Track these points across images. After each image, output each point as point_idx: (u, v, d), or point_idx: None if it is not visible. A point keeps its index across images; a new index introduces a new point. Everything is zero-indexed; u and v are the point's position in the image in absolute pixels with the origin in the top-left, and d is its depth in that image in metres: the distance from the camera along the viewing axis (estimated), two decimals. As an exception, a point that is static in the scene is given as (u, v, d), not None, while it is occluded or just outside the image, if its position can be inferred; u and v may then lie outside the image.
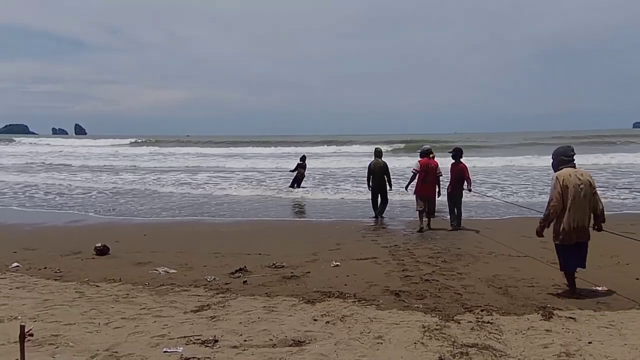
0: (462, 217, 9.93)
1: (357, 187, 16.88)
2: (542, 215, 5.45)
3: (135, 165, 29.18)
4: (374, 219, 11.11)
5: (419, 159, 10.12)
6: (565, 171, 5.29)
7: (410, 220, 10.71)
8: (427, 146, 10.46)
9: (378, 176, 11.37)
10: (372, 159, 11.77)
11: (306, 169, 17.20)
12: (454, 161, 9.92)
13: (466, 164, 9.96)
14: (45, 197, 15.44)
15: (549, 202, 5.32)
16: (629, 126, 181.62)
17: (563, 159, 5.38)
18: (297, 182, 16.76)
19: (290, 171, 17.41)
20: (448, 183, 9.98)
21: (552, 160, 5.53)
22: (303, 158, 17.22)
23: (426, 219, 9.78)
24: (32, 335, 3.17)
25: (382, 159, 11.64)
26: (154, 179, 20.99)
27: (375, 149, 12.14)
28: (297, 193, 15.87)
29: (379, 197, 11.40)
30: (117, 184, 18.94)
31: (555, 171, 5.40)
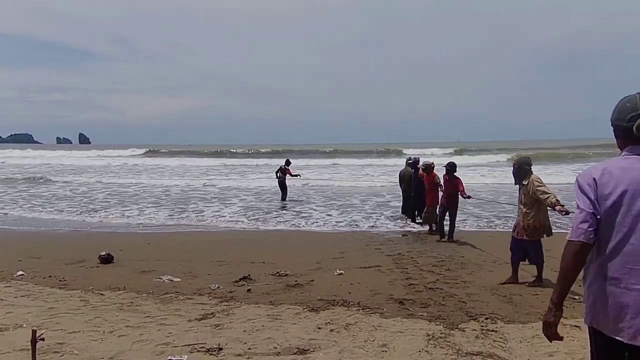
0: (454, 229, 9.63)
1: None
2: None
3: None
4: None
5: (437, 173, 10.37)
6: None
7: (414, 231, 10.76)
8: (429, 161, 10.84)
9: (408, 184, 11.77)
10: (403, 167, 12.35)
11: (287, 174, 16.06)
12: (447, 176, 9.42)
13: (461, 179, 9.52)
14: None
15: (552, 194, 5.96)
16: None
17: (527, 168, 6.25)
18: (282, 190, 16.00)
19: (277, 178, 16.28)
20: (443, 196, 9.63)
21: (515, 168, 6.41)
22: (287, 162, 16.37)
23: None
24: (43, 339, 3.18)
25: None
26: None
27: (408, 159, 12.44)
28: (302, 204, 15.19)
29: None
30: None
31: (521, 177, 6.23)
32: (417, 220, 11.45)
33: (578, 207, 2.03)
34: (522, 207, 6.16)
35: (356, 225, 11.52)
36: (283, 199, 15.87)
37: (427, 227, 10.62)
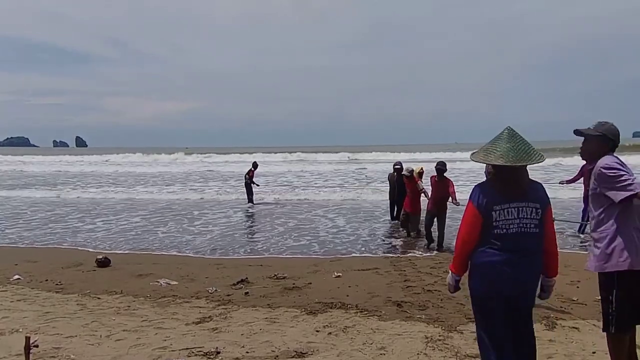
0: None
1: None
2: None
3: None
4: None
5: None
6: None
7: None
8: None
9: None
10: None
11: (252, 177, 15.84)
12: (437, 177, 8.81)
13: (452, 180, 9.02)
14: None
15: None
16: (628, 135, 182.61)
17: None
18: (247, 192, 15.82)
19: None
20: (430, 200, 9.02)
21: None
22: (254, 165, 16.19)
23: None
24: (37, 346, 3.16)
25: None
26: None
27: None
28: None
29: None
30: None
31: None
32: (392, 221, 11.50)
33: (622, 177, 2.95)
34: None
35: (354, 226, 11.51)
36: (250, 200, 15.83)
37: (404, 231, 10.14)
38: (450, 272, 3.18)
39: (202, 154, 49.39)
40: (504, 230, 2.83)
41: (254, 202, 15.79)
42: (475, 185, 3.00)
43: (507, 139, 2.88)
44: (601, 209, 3.09)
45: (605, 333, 3.13)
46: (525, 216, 2.84)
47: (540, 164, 2.89)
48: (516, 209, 2.83)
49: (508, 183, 2.86)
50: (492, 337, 2.96)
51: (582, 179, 9.97)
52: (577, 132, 3.29)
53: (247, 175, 15.99)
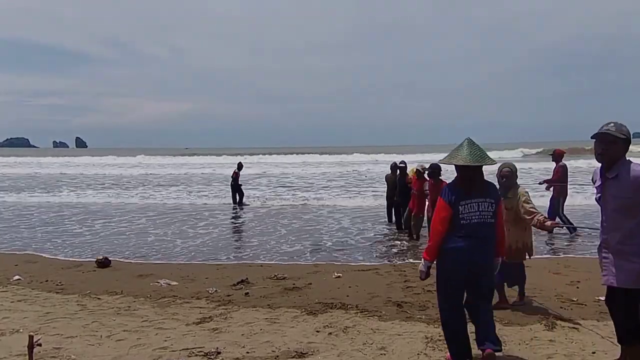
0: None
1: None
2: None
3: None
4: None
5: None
6: None
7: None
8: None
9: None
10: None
11: (237, 178, 15.90)
12: (432, 180, 8.72)
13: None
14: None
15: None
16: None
17: (516, 177, 5.19)
18: (236, 192, 15.81)
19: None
20: (430, 203, 8.93)
21: (505, 177, 5.10)
22: (239, 166, 16.14)
23: None
24: (40, 345, 3.17)
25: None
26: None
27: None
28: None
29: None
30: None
31: (509, 188, 5.06)
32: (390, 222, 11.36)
33: None
34: (503, 224, 4.91)
35: (353, 227, 11.52)
36: (234, 201, 15.75)
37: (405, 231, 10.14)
38: (423, 260, 3.72)
39: (205, 155, 49.53)
40: (468, 221, 3.52)
41: (243, 204, 15.56)
42: (445, 186, 3.82)
43: (467, 146, 3.59)
44: (636, 220, 2.93)
45: (620, 345, 3.04)
46: (484, 209, 3.55)
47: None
48: (477, 203, 3.54)
49: (469, 181, 3.56)
50: (455, 301, 3.70)
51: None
52: (603, 135, 3.04)
53: (232, 177, 16.03)
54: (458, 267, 3.56)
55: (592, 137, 3.10)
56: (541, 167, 25.71)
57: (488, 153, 3.63)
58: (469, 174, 3.56)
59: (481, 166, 3.57)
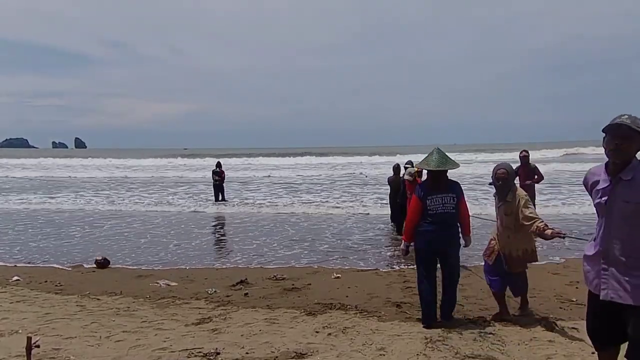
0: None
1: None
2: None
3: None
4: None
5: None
6: None
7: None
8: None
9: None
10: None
11: (223, 176, 16.61)
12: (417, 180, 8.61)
13: None
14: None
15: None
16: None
17: (514, 178, 4.87)
18: (219, 191, 16.41)
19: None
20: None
21: (502, 179, 4.71)
22: (218, 165, 16.80)
23: None
24: (38, 346, 3.16)
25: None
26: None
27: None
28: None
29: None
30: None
31: (507, 191, 4.69)
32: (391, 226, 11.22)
33: None
34: (503, 230, 4.72)
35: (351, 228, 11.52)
36: (216, 199, 16.24)
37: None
38: (402, 241, 4.90)
39: (203, 157, 49.51)
40: (434, 211, 4.63)
41: (225, 200, 16.27)
42: (418, 184, 5.15)
43: (435, 154, 4.70)
44: None
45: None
46: (447, 202, 4.65)
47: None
48: (441, 197, 4.64)
49: (436, 180, 4.69)
50: (427, 273, 4.78)
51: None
52: (616, 127, 2.61)
53: (215, 178, 16.43)
54: (427, 246, 4.68)
55: (603, 130, 2.69)
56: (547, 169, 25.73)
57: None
58: (435, 175, 4.67)
59: (445, 170, 4.65)
